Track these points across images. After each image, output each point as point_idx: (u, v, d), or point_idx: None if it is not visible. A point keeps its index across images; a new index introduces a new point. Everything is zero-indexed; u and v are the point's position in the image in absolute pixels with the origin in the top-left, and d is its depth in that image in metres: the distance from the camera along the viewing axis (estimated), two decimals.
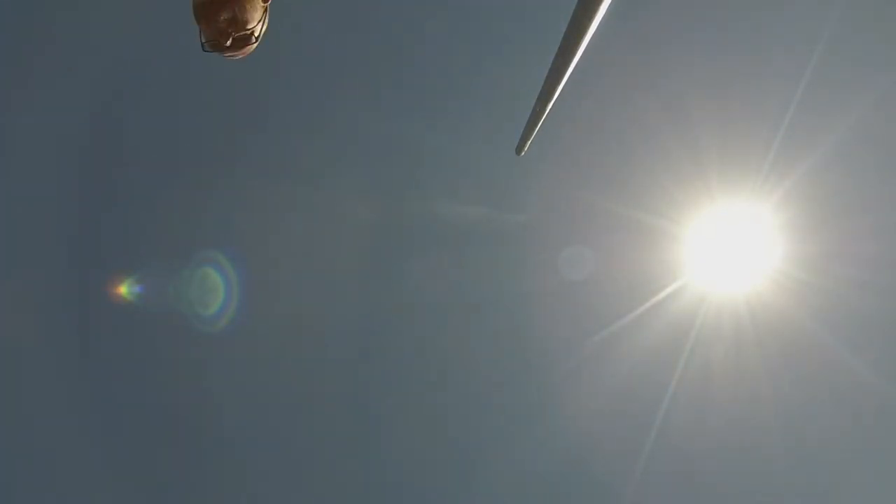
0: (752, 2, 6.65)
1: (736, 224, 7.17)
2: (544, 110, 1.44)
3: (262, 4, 1.49)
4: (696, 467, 7.75)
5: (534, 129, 1.57)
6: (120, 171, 7.17)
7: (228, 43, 1.43)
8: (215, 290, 7.31)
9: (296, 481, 8.13)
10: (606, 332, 7.43)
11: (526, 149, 1.70)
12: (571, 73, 1.27)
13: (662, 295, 7.22)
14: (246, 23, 1.43)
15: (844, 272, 6.84)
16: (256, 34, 1.46)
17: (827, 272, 6.94)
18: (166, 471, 7.99)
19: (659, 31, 6.50)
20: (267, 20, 1.51)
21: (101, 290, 7.33)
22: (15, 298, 7.11)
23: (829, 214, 6.84)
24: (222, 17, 1.40)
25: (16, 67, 6.08)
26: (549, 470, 8.08)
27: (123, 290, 7.25)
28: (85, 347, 7.55)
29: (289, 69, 6.70)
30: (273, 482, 8.02)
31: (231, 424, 7.99)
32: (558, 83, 1.31)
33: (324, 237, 7.58)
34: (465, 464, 8.26)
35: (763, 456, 7.63)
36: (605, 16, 1.08)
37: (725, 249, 7.35)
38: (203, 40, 1.44)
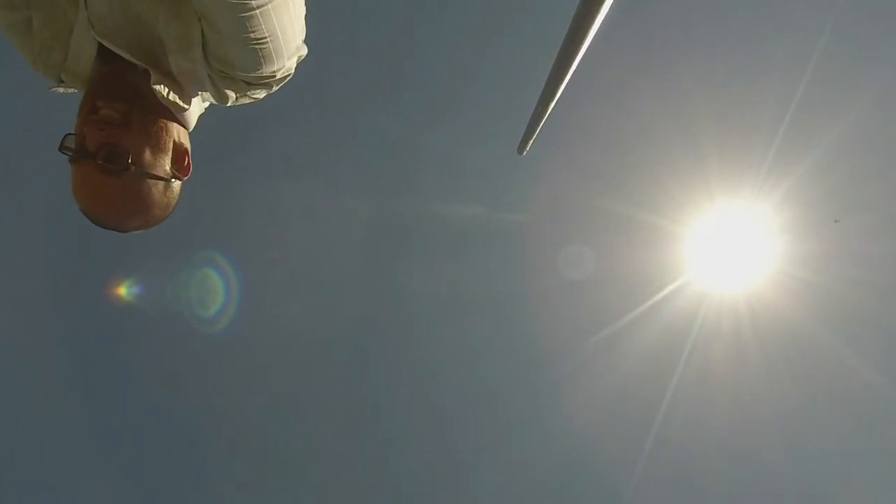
0: (752, 1, 6.65)
1: (736, 224, 7.17)
2: (546, 110, 1.44)
3: (176, 146, 1.06)
4: (696, 467, 7.75)
5: (536, 129, 1.57)
6: None
7: (94, 150, 0.96)
8: (215, 291, 7.30)
9: (296, 481, 8.14)
10: (606, 332, 7.44)
11: (528, 148, 1.70)
12: (573, 74, 1.27)
13: (662, 294, 7.23)
14: (132, 138, 0.98)
15: (844, 272, 6.85)
16: (135, 166, 0.99)
17: (827, 272, 6.94)
18: (166, 471, 7.99)
19: (659, 32, 6.51)
20: (175, 195, 1.08)
21: (101, 291, 7.33)
22: (15, 299, 7.11)
23: (829, 214, 6.85)
24: (109, 106, 0.97)
25: (15, 67, 6.08)
26: (549, 470, 8.08)
27: (123, 290, 7.25)
28: (85, 348, 7.55)
29: None
30: (273, 482, 8.02)
31: (231, 425, 8.00)
32: (560, 84, 1.31)
33: (323, 237, 7.59)
34: (465, 463, 8.26)
35: (763, 455, 7.63)
36: (606, 17, 1.08)
37: (725, 249, 7.36)
38: (68, 135, 0.98)
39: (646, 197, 7.11)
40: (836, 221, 6.51)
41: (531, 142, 1.65)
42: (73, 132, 0.99)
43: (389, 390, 8.18)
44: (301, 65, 1.13)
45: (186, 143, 1.11)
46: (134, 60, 1.00)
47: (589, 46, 1.17)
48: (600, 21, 1.09)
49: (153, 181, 1.03)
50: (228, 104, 1.12)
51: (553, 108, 1.43)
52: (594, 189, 7.18)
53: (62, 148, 0.99)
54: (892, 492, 7.57)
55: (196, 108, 1.11)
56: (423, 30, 7.02)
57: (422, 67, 7.22)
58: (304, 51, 1.10)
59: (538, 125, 1.53)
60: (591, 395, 7.73)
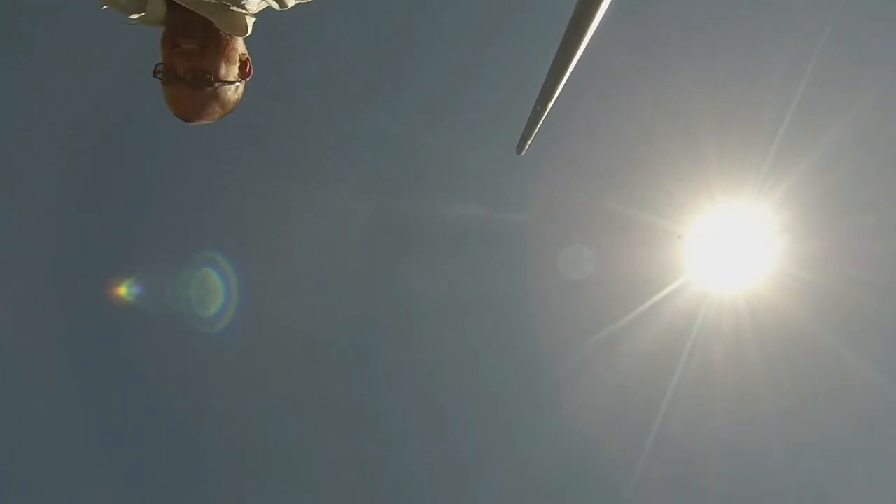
0: (752, 1, 6.65)
1: (736, 224, 7.17)
2: (545, 110, 1.44)
3: (240, 56, 1.37)
4: (696, 467, 7.75)
5: (534, 129, 1.57)
6: (119, 171, 7.17)
7: (183, 75, 1.29)
8: (215, 291, 7.31)
9: (296, 481, 8.13)
10: (606, 332, 7.44)
11: (526, 148, 1.70)
12: (572, 73, 1.27)
13: (662, 294, 7.22)
14: (210, 61, 1.31)
15: (844, 272, 6.85)
16: (217, 82, 1.32)
17: (827, 272, 6.94)
18: (166, 471, 7.99)
19: (659, 32, 6.51)
20: (241, 92, 1.42)
21: (101, 291, 7.33)
22: (15, 299, 7.11)
23: (829, 214, 6.85)
24: (188, 43, 1.28)
25: (15, 67, 6.08)
26: (549, 470, 8.08)
27: (123, 291, 7.25)
28: (85, 348, 7.55)
29: (288, 68, 6.70)
30: (273, 482, 8.02)
31: (231, 425, 7.99)
32: (559, 83, 1.31)
33: (323, 237, 7.59)
34: (465, 463, 8.26)
35: (763, 455, 7.63)
36: (604, 16, 1.08)
37: (725, 249, 7.36)
38: (158, 64, 1.31)
39: (646, 197, 7.11)
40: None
41: (530, 141, 1.65)
42: (160, 62, 1.30)
43: (389, 390, 8.18)
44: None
45: (245, 50, 1.40)
46: (195, 9, 1.27)
47: (587, 45, 1.17)
48: (598, 20, 1.09)
49: (227, 87, 1.35)
50: (289, 7, 1.38)
51: (552, 108, 1.43)
52: (594, 189, 7.19)
53: (155, 73, 1.30)
54: (892, 492, 7.57)
55: (251, 19, 1.38)
56: (423, 30, 7.03)
57: (421, 67, 7.23)
58: None
59: (537, 125, 1.53)
60: (591, 395, 7.73)
